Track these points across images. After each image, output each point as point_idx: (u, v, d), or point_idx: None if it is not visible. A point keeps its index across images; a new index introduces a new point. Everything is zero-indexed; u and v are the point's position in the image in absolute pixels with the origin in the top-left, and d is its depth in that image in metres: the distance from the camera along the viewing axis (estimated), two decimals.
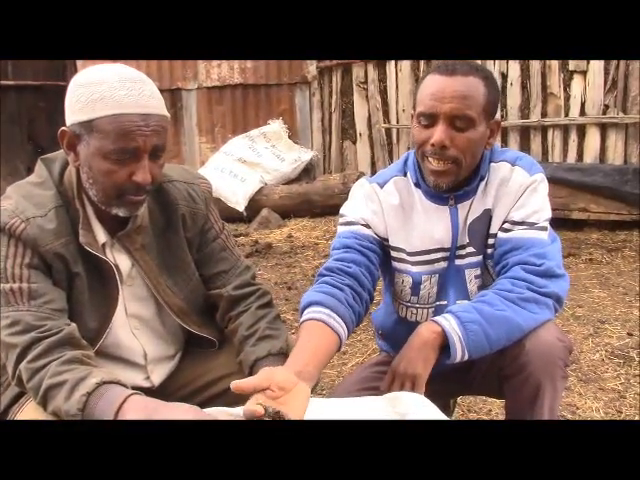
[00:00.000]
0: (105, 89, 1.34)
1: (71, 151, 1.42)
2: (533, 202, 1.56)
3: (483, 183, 1.61)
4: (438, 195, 1.61)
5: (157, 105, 1.39)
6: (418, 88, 1.58)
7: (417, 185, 1.63)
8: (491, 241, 1.61)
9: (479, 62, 1.68)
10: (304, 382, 1.31)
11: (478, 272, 1.65)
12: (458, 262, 1.65)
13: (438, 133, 1.49)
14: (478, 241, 1.62)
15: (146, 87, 1.38)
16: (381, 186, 1.66)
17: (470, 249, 1.63)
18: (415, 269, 1.65)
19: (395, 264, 1.67)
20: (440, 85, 1.49)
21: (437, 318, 1.49)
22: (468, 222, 1.62)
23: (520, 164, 1.60)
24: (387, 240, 1.65)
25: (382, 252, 1.66)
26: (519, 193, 1.57)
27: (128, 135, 1.35)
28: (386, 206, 1.64)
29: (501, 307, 1.47)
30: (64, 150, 1.44)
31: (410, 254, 1.65)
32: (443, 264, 1.65)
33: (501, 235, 1.58)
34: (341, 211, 1.69)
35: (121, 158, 1.36)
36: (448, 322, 1.46)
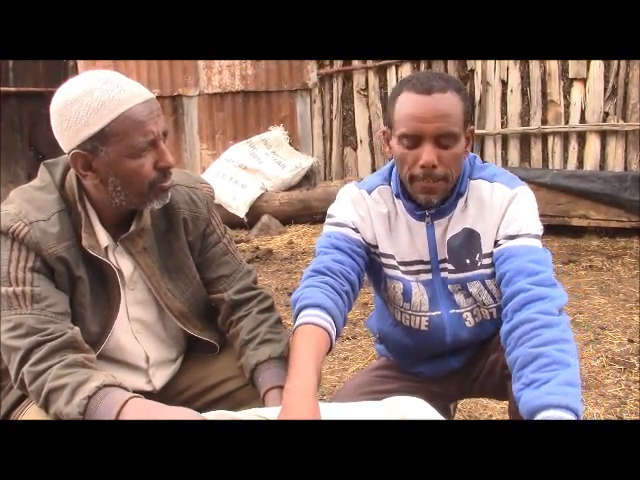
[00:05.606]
0: (99, 95, 1.35)
1: (88, 171, 1.41)
2: (521, 214, 1.55)
3: (462, 200, 1.60)
4: (415, 210, 1.60)
5: (144, 89, 1.42)
6: (392, 104, 1.55)
7: (397, 196, 1.63)
8: (485, 261, 1.60)
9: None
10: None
11: (459, 287, 1.63)
12: (443, 275, 1.64)
13: (426, 154, 1.48)
14: (458, 259, 1.61)
15: (124, 79, 1.40)
16: (369, 193, 1.65)
17: (449, 266, 1.62)
18: (405, 277, 1.65)
19: (386, 270, 1.67)
20: (420, 105, 1.48)
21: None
22: (446, 238, 1.61)
23: (499, 180, 1.59)
24: (376, 247, 1.65)
25: (368, 258, 1.66)
26: (503, 207, 1.55)
27: (143, 127, 1.37)
28: (374, 213, 1.64)
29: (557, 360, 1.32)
30: (80, 174, 1.43)
31: (399, 262, 1.64)
32: (426, 276, 1.65)
33: (496, 249, 1.56)
34: (329, 211, 1.68)
35: (145, 150, 1.39)
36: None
